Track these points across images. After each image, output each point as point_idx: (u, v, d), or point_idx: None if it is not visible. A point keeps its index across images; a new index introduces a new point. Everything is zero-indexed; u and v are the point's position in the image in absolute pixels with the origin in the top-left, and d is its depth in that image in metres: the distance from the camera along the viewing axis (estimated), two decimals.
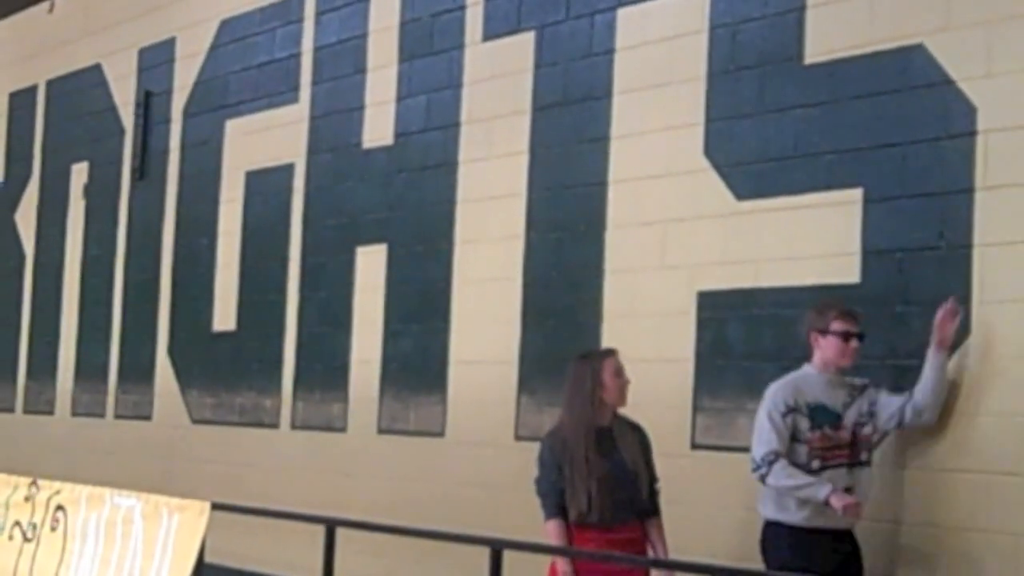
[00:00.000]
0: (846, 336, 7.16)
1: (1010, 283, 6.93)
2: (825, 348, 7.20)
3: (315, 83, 11.58)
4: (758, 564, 7.66)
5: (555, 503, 7.47)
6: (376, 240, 10.84)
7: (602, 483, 7.38)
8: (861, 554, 7.14)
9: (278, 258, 11.73)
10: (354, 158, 11.15)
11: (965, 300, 7.15)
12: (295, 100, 11.75)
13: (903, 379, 7.34)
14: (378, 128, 10.93)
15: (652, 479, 7.57)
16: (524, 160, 9.73)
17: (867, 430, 7.15)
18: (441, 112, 10.41)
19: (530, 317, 9.59)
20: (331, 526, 8.92)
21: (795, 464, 7.04)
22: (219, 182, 12.49)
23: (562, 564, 7.38)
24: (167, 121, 13.21)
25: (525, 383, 9.55)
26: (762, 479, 7.08)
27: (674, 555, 7.51)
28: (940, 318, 6.96)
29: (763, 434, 7.09)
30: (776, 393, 7.17)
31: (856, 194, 7.72)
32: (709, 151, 8.51)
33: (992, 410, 6.94)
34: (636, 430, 7.61)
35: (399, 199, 10.70)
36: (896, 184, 7.56)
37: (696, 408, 8.42)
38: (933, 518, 7.14)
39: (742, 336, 8.26)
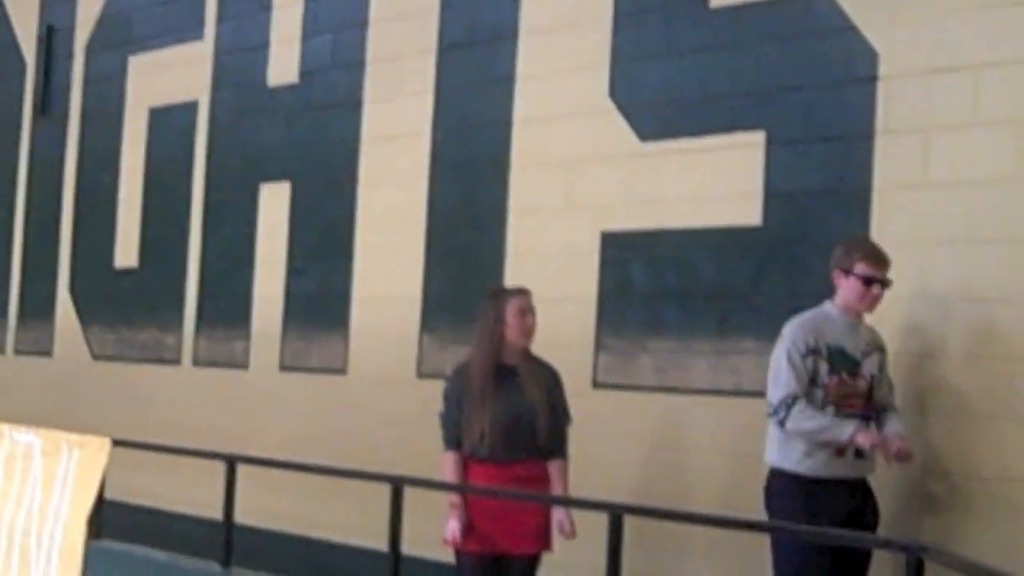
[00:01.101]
0: (868, 281, 6.61)
1: (907, 225, 6.94)
2: (847, 290, 6.64)
3: (220, 20, 11.41)
4: (658, 500, 7.69)
5: (453, 436, 7.45)
6: (280, 178, 10.74)
7: (496, 420, 7.33)
8: (877, 504, 6.71)
9: (181, 195, 11.58)
10: (259, 96, 11.01)
11: None
12: (199, 37, 11.57)
13: None
14: (283, 66, 10.80)
15: (560, 420, 7.51)
16: (429, 100, 9.64)
17: (881, 386, 6.74)
18: (347, 51, 10.29)
19: (433, 256, 9.53)
20: (232, 463, 8.85)
21: None
22: (122, 118, 12.29)
23: (454, 497, 7.37)
24: (70, 56, 12.96)
25: (428, 321, 9.49)
26: (780, 423, 6.56)
27: (575, 493, 7.48)
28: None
29: (781, 376, 6.56)
30: (796, 332, 6.65)
31: (759, 137, 7.71)
32: (614, 92, 8.46)
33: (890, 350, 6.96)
34: (547, 370, 7.55)
35: (303, 137, 10.60)
36: (798, 127, 7.56)
37: (598, 347, 8.40)
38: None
39: (645, 276, 8.24)
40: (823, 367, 6.60)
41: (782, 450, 6.65)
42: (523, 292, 7.59)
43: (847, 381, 6.61)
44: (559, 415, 7.53)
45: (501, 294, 7.69)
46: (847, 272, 6.63)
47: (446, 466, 7.46)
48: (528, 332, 7.51)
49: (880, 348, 6.76)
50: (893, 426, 6.65)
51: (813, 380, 6.59)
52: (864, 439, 6.49)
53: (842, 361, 6.63)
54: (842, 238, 7.13)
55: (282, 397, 10.58)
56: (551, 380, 7.54)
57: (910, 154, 7.08)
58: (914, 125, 7.08)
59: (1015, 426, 6.56)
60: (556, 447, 7.51)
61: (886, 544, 6.07)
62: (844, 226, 7.27)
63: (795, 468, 6.60)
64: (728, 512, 7.35)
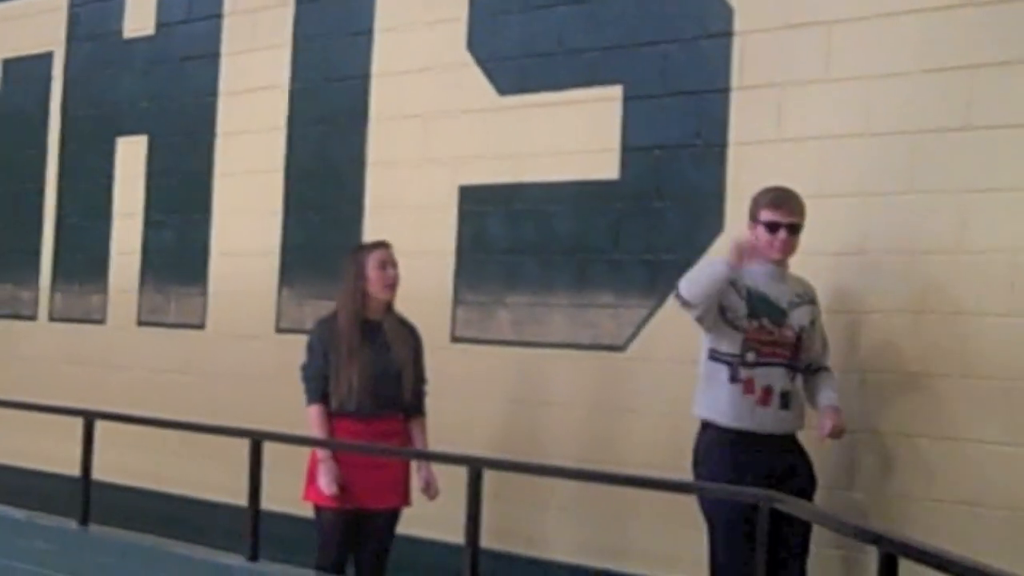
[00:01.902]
0: (772, 227, 6.37)
1: (761, 180, 6.96)
2: (757, 238, 6.39)
3: None
4: (517, 454, 7.70)
5: (318, 389, 7.37)
6: (137, 131, 10.58)
7: (364, 374, 7.29)
8: (811, 466, 6.45)
9: (36, 148, 11.38)
10: (115, 47, 10.84)
11: (719, 196, 7.20)
12: None
13: (658, 274, 7.40)
14: (139, 17, 10.63)
15: (419, 378, 7.49)
16: (287, 52, 9.54)
17: (811, 340, 6.46)
18: (204, 2, 10.16)
19: (292, 209, 9.44)
20: (89, 419, 8.75)
21: (728, 353, 6.34)
22: None
23: (322, 451, 7.30)
24: None
25: (286, 275, 9.41)
26: (678, 298, 6.30)
27: (435, 447, 7.47)
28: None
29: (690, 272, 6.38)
30: None
31: (616, 91, 7.69)
32: (472, 45, 8.41)
33: None
34: (408, 329, 7.51)
35: (160, 90, 10.44)
36: (655, 82, 7.55)
37: (456, 301, 8.37)
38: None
39: (503, 230, 8.22)
40: (739, 306, 6.33)
41: (705, 398, 6.43)
42: (384, 245, 7.54)
43: (770, 328, 6.36)
44: (421, 374, 7.51)
45: (362, 249, 7.64)
46: (755, 220, 6.44)
47: (312, 420, 7.39)
48: (390, 285, 7.47)
49: (811, 301, 6.51)
50: (827, 396, 6.42)
51: (725, 316, 6.33)
52: (733, 248, 6.22)
53: (764, 307, 6.38)
54: (697, 192, 7.15)
55: (140, 352, 10.45)
56: (414, 339, 7.53)
57: (764, 110, 7.09)
58: (768, 80, 7.09)
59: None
60: (417, 405, 7.50)
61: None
62: (700, 180, 7.30)
63: (719, 419, 6.35)
64: (587, 465, 7.41)
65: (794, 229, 6.41)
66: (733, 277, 6.29)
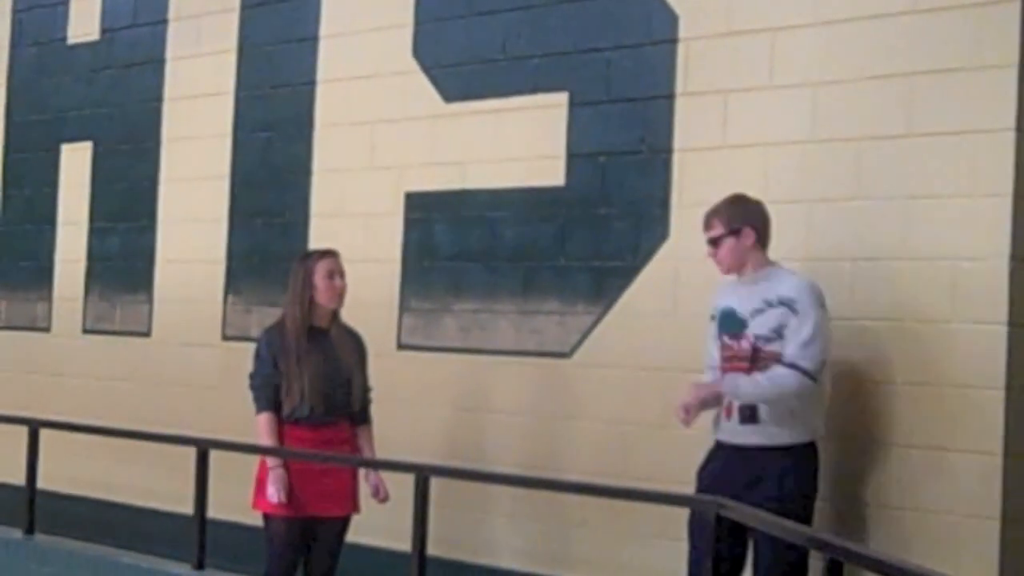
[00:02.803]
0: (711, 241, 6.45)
1: (706, 186, 6.97)
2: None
3: None
4: (463, 461, 7.69)
5: (268, 397, 7.32)
6: (81, 137, 10.52)
7: (315, 381, 7.25)
8: (784, 477, 6.24)
9: None
10: (59, 53, 10.76)
11: (664, 203, 7.19)
12: None
13: (604, 281, 7.40)
14: (84, 23, 10.57)
15: (365, 387, 7.47)
16: (232, 58, 9.49)
17: (775, 347, 6.24)
18: (149, 8, 10.10)
19: (238, 216, 9.39)
20: (34, 427, 8.71)
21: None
22: None
23: (271, 459, 7.26)
24: None
25: (232, 283, 9.36)
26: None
27: (382, 455, 7.44)
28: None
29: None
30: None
31: (562, 98, 7.68)
32: (418, 52, 8.38)
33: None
34: (354, 337, 7.48)
35: (105, 96, 10.38)
36: (600, 89, 7.54)
37: (402, 308, 8.34)
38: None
39: (448, 237, 8.20)
40: (712, 327, 6.42)
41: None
42: (332, 254, 7.49)
43: (728, 343, 6.35)
44: (366, 382, 7.49)
45: (309, 257, 7.59)
46: None
47: (262, 428, 7.32)
48: (338, 295, 7.42)
49: (784, 303, 6.26)
50: (727, 378, 6.37)
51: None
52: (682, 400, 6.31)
53: (727, 322, 6.36)
54: (642, 199, 7.14)
55: (85, 360, 10.37)
56: (360, 347, 7.50)
57: (709, 116, 7.09)
58: (713, 87, 7.09)
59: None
60: (364, 412, 7.48)
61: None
62: (645, 187, 7.29)
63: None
64: (531, 472, 7.40)
65: (713, 242, 6.40)
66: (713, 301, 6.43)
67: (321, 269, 7.39)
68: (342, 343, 7.41)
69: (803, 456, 6.28)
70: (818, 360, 6.18)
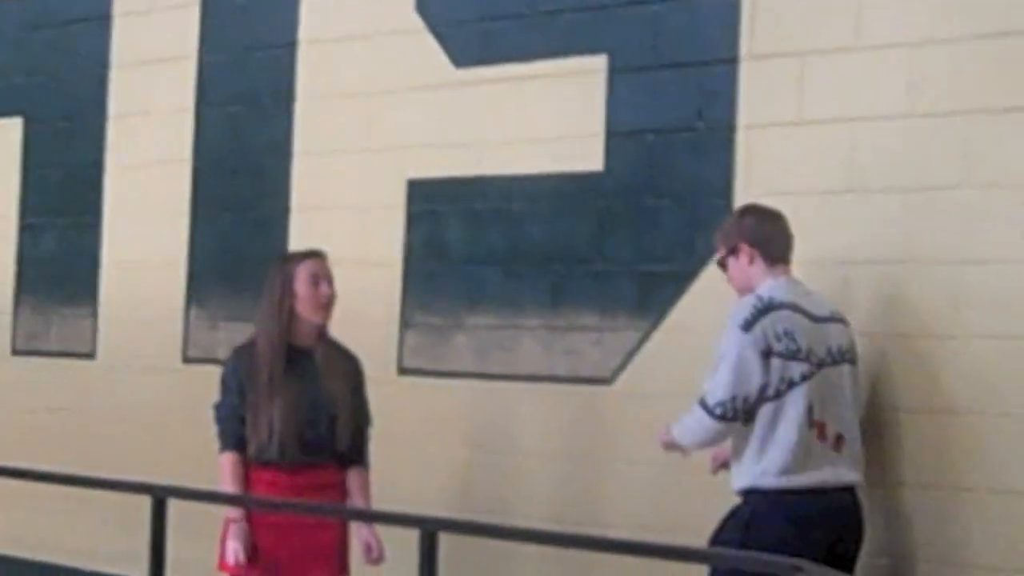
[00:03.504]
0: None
1: (775, 172, 7.02)
2: None
3: None
4: (478, 512, 7.71)
5: (233, 433, 7.38)
6: (8, 113, 10.67)
7: (288, 414, 7.30)
8: (747, 527, 6.60)
9: None
10: None
11: (725, 192, 7.22)
12: None
13: (651, 288, 7.43)
14: None
15: (361, 421, 7.49)
16: (195, 14, 9.61)
17: None
18: None
19: (202, 210, 9.49)
20: None
21: None
22: None
23: (233, 510, 7.31)
24: None
25: (195, 292, 9.47)
26: None
27: (379, 505, 7.47)
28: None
29: None
30: None
31: (600, 62, 7.74)
32: (422, 6, 8.46)
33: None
34: (346, 360, 7.52)
35: (38, 62, 10.51)
36: (647, 51, 7.59)
37: (404, 324, 8.40)
38: None
39: (461, 235, 8.27)
40: None
41: None
42: (316, 255, 7.55)
43: None
44: (361, 415, 7.51)
45: (289, 259, 7.66)
46: None
47: (224, 471, 7.40)
48: (324, 305, 7.47)
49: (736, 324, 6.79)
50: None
51: None
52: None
53: None
54: (699, 187, 7.17)
55: (16, 387, 10.51)
56: (354, 372, 7.53)
57: (782, 85, 7.13)
58: (786, 49, 7.12)
59: (925, 419, 6.65)
60: (357, 452, 7.50)
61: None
62: (702, 172, 7.34)
63: None
64: (562, 527, 7.41)
65: (720, 265, 6.81)
66: None
67: (303, 273, 7.44)
68: (329, 367, 7.44)
69: (759, 503, 6.59)
70: (721, 394, 6.51)
